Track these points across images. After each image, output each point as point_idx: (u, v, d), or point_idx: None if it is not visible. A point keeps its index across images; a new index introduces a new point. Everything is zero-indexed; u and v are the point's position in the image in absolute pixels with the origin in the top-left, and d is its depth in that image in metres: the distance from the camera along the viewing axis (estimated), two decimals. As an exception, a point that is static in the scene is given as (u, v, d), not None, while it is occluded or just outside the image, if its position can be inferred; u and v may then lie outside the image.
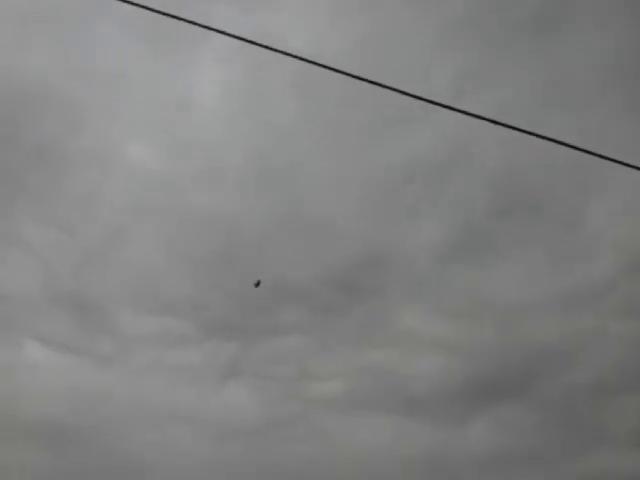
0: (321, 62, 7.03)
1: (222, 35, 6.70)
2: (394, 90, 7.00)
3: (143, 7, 6.61)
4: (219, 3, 31.26)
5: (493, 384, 34.23)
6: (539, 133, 7.07)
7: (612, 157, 6.88)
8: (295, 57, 7.02)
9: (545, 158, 35.54)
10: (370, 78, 7.07)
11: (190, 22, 6.79)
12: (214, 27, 6.77)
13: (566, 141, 6.97)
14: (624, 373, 32.61)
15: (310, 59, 7.01)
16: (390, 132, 35.64)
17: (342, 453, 32.55)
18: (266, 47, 6.90)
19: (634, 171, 6.73)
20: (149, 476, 31.53)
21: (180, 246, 36.70)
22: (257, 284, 30.59)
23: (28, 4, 32.11)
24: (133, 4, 6.65)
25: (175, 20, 6.80)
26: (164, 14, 6.78)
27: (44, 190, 35.19)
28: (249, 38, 6.78)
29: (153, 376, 34.44)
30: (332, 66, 7.06)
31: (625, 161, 6.62)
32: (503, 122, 6.85)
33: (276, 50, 6.92)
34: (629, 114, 32.20)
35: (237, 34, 6.76)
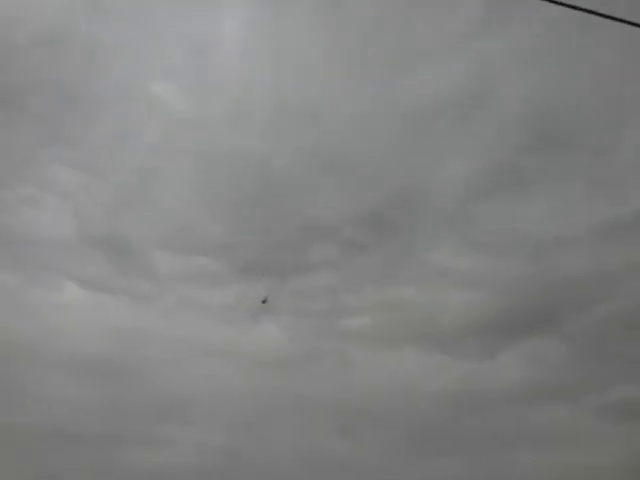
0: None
1: None
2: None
3: None
4: None
5: (523, 318, 34.31)
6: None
7: None
8: None
9: (577, 91, 34.54)
10: None
11: None
12: None
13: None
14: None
15: None
16: (418, 67, 34.89)
17: (371, 386, 33.18)
18: None
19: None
20: (184, 407, 32.63)
21: (210, 186, 36.94)
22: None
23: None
24: None
25: None
26: None
27: (74, 134, 35.46)
28: None
29: (187, 314, 35.25)
30: None
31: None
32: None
33: None
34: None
35: None
